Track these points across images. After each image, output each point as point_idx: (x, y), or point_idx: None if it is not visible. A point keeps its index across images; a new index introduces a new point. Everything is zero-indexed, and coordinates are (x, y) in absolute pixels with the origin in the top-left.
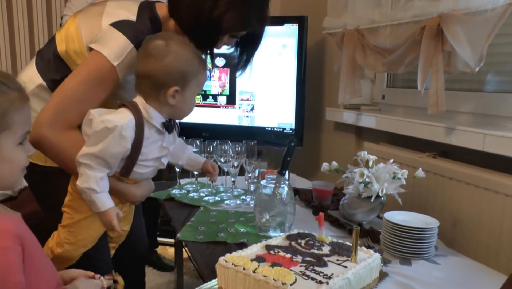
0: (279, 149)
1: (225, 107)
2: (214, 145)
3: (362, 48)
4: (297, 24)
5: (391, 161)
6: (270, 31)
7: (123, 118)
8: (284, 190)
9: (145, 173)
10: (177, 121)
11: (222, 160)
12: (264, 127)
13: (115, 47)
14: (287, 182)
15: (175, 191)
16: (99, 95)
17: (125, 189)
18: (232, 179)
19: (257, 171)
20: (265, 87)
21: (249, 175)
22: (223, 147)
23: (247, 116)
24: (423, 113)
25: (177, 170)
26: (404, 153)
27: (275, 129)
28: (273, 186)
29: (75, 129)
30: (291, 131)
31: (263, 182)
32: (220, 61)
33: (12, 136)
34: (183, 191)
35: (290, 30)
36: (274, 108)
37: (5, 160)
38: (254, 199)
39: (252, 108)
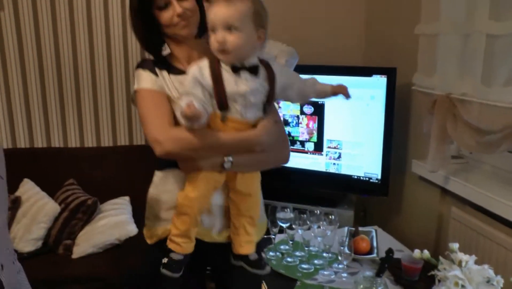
0: (365, 197)
1: (312, 154)
2: (308, 213)
3: (454, 119)
4: (386, 76)
5: (486, 266)
6: (358, 81)
7: None
8: None
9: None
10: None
11: (315, 226)
12: (351, 176)
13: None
14: (382, 286)
15: (271, 253)
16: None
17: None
18: (325, 245)
19: (346, 229)
20: (353, 136)
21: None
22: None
23: (334, 164)
24: None
25: (273, 230)
26: (494, 230)
27: (361, 178)
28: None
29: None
30: (377, 181)
31: (359, 280)
32: (308, 109)
33: None
34: (278, 254)
35: (379, 82)
36: (361, 157)
37: None
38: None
39: (339, 156)
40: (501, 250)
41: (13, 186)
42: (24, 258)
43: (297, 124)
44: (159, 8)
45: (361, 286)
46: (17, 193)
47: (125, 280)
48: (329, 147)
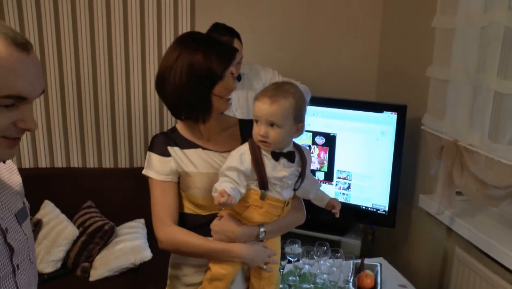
0: (372, 227)
1: (323, 183)
2: (316, 247)
3: (461, 168)
4: (396, 113)
5: None
6: (369, 117)
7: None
8: None
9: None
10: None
11: (322, 262)
12: (359, 206)
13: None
14: None
15: (279, 285)
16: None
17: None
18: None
19: (351, 263)
20: (362, 168)
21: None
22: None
23: (343, 194)
24: None
25: (281, 263)
26: (495, 275)
27: (369, 208)
28: None
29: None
30: (384, 212)
31: None
32: (320, 140)
33: None
34: (286, 286)
35: (389, 118)
36: (370, 189)
37: None
38: None
39: (349, 187)
40: None
41: (35, 207)
42: (45, 280)
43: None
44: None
45: None
46: (38, 215)
47: None
48: (339, 177)
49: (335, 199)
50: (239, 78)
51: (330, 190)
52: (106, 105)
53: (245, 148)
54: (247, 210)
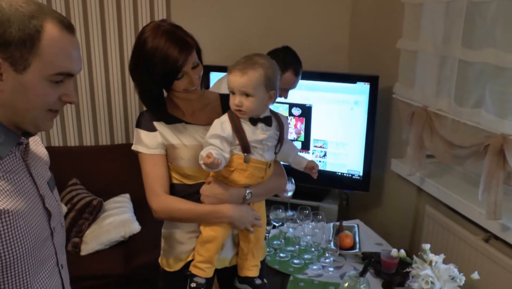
0: (348, 192)
1: (300, 152)
2: (298, 211)
3: (430, 132)
4: (369, 83)
5: (452, 265)
6: (343, 87)
7: None
8: None
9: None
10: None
11: (305, 225)
12: (335, 172)
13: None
14: (364, 284)
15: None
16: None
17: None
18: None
19: (331, 225)
20: (337, 137)
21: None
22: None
23: (320, 161)
24: None
25: (266, 228)
26: (462, 229)
27: (345, 174)
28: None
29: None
30: (359, 178)
31: (345, 279)
32: (296, 111)
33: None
34: (271, 249)
35: (362, 88)
36: (345, 156)
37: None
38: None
39: (325, 155)
40: (466, 246)
41: None
42: None
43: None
44: (177, 79)
45: (346, 284)
46: None
47: (132, 275)
48: (315, 146)
49: (312, 161)
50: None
51: (307, 158)
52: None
53: (225, 117)
54: (233, 174)
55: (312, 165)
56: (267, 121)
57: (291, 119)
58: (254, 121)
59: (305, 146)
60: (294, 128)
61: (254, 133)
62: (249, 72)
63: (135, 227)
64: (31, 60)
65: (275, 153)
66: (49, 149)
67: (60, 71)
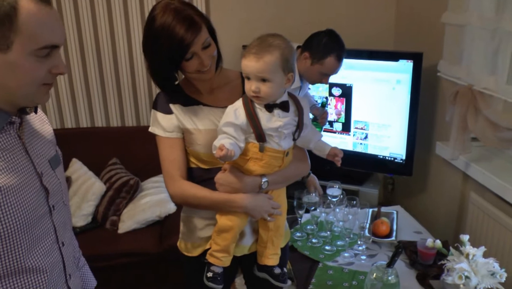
0: (389, 176)
1: (340, 134)
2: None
3: (475, 112)
4: (412, 61)
5: (492, 260)
6: (385, 66)
7: None
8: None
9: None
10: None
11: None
12: (377, 155)
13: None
14: (393, 275)
15: (297, 234)
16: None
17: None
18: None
19: (368, 211)
20: (379, 118)
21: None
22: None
23: (361, 144)
24: None
25: (299, 212)
26: (509, 219)
27: (387, 158)
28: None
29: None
30: (401, 161)
31: (373, 269)
32: (336, 91)
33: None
34: (304, 235)
35: (405, 66)
36: (387, 138)
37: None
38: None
39: (366, 137)
40: None
41: (63, 165)
42: (77, 233)
43: (326, 105)
44: (186, 60)
45: (374, 275)
46: (67, 173)
47: (166, 254)
48: (356, 128)
49: (336, 148)
50: None
51: (348, 141)
52: (126, 66)
53: (239, 103)
54: (248, 163)
55: (335, 151)
56: (284, 106)
57: (331, 100)
58: (270, 107)
59: (346, 128)
60: (334, 109)
61: (270, 120)
62: (265, 56)
63: (171, 207)
64: (13, 38)
65: (294, 140)
66: (92, 129)
67: (44, 45)
